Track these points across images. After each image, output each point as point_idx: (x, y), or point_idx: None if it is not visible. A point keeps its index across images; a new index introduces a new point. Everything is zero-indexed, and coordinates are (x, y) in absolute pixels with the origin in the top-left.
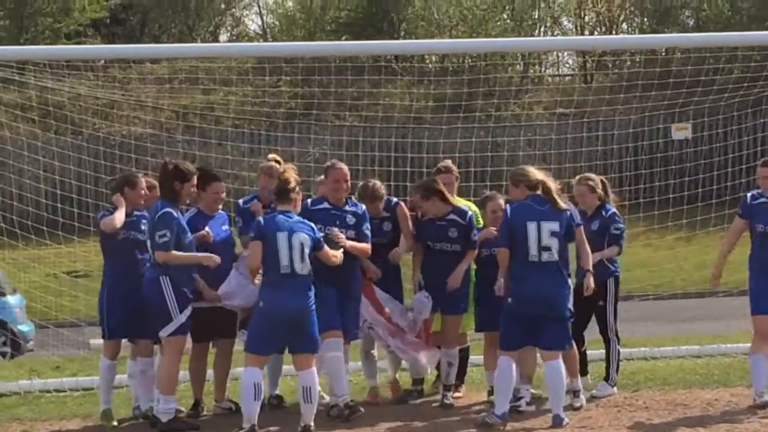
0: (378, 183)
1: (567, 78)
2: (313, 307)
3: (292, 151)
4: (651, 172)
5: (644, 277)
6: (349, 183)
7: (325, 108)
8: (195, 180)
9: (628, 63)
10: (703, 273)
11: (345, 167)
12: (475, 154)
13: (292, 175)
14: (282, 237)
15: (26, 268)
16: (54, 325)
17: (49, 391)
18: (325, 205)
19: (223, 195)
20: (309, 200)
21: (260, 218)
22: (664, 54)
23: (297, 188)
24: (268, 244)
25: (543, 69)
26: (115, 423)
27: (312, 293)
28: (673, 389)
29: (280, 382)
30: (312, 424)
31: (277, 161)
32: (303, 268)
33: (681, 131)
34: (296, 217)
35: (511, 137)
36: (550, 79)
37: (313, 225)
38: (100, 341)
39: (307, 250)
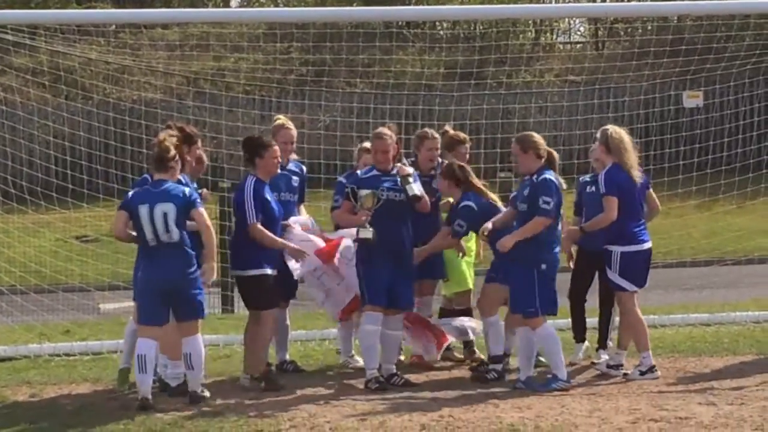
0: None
1: (578, 45)
2: (193, 273)
3: (303, 118)
4: (662, 140)
5: (654, 245)
6: (390, 151)
7: (336, 74)
8: (200, 143)
9: (640, 30)
10: (712, 241)
11: (388, 137)
12: (486, 121)
13: (172, 142)
14: (143, 210)
15: (35, 233)
16: (63, 290)
17: (58, 355)
18: (375, 172)
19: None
20: (359, 171)
21: (129, 192)
22: (676, 21)
23: (177, 157)
24: (133, 217)
25: (554, 36)
26: (128, 384)
27: (189, 259)
28: (683, 357)
29: (289, 347)
30: (198, 390)
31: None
32: (170, 236)
33: (692, 99)
34: (166, 186)
35: (522, 104)
36: (561, 46)
37: (185, 189)
38: (110, 306)
39: (172, 218)
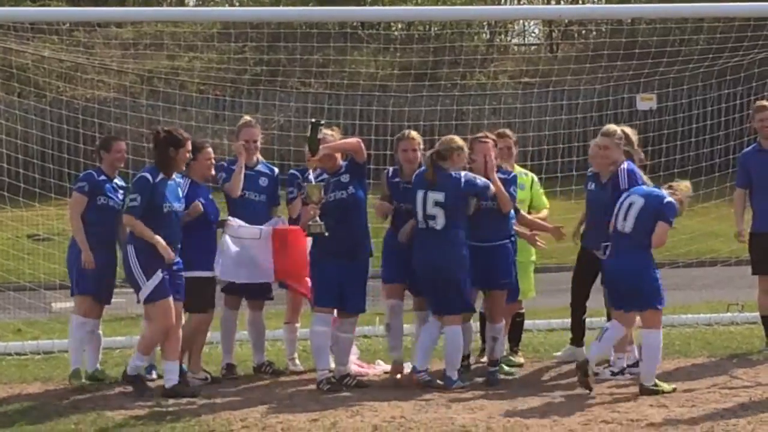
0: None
1: (533, 47)
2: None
3: (257, 118)
4: None
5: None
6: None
7: (291, 74)
8: (189, 146)
9: (594, 33)
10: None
11: (330, 138)
12: (440, 122)
13: None
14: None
15: None
16: (14, 289)
17: (10, 354)
18: (324, 174)
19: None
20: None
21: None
22: (630, 24)
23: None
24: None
25: (509, 38)
26: (84, 382)
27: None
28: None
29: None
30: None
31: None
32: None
33: (646, 101)
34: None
35: (476, 106)
36: (516, 48)
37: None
38: (62, 305)
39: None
